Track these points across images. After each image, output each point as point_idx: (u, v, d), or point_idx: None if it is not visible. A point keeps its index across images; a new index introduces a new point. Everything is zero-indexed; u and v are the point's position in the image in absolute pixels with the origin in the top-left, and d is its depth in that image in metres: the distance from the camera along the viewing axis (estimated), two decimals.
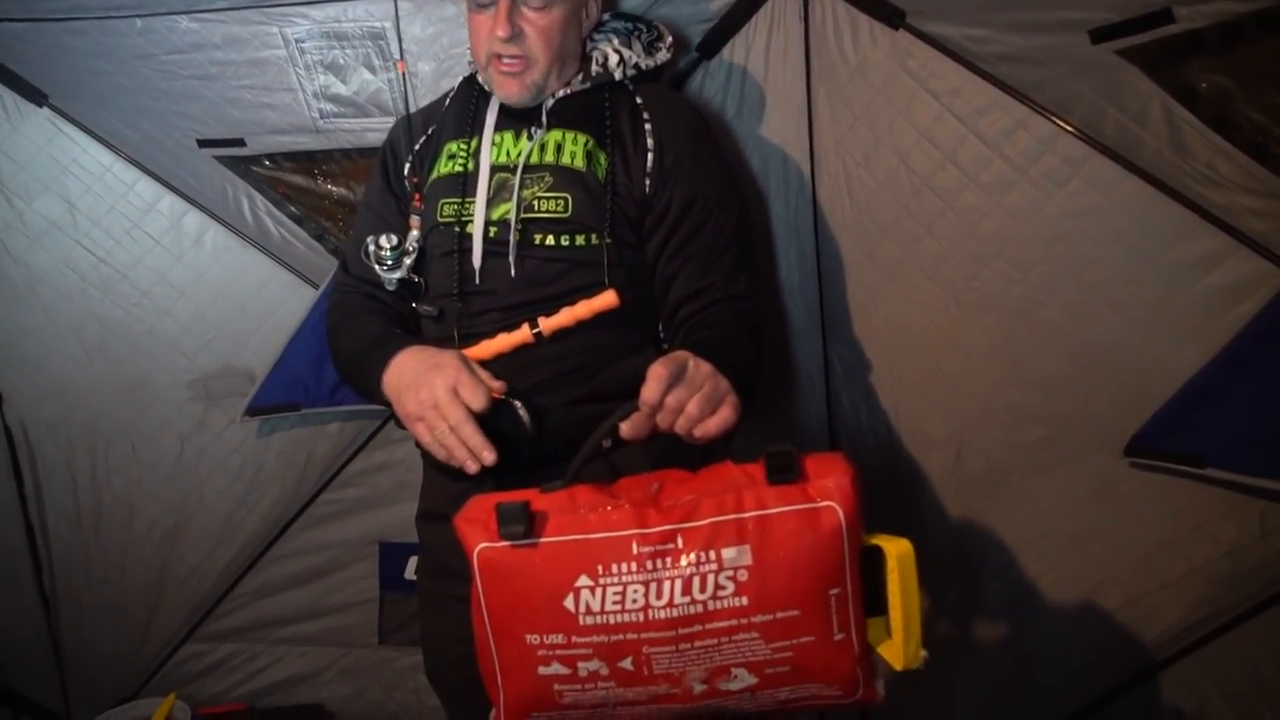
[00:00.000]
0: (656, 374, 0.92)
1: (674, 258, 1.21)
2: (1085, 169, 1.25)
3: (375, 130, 1.65)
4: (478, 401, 1.04)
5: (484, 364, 1.14)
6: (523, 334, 1.15)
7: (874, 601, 0.92)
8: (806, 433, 1.67)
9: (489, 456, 1.04)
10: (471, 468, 1.04)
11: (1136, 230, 1.23)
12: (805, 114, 1.51)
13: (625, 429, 0.93)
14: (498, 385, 1.09)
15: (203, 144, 1.71)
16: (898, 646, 0.91)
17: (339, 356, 1.26)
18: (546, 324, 1.14)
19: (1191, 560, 1.27)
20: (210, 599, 2.04)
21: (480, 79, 1.27)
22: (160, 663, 2.07)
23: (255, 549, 2.01)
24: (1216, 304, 1.19)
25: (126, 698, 2.05)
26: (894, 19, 1.38)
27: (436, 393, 1.05)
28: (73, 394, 1.89)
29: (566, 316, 1.15)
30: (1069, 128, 1.25)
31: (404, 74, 1.53)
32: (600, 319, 1.15)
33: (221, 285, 1.86)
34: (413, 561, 2.01)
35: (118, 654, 2.06)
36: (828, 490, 0.89)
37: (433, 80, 1.59)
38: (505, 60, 1.19)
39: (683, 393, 0.94)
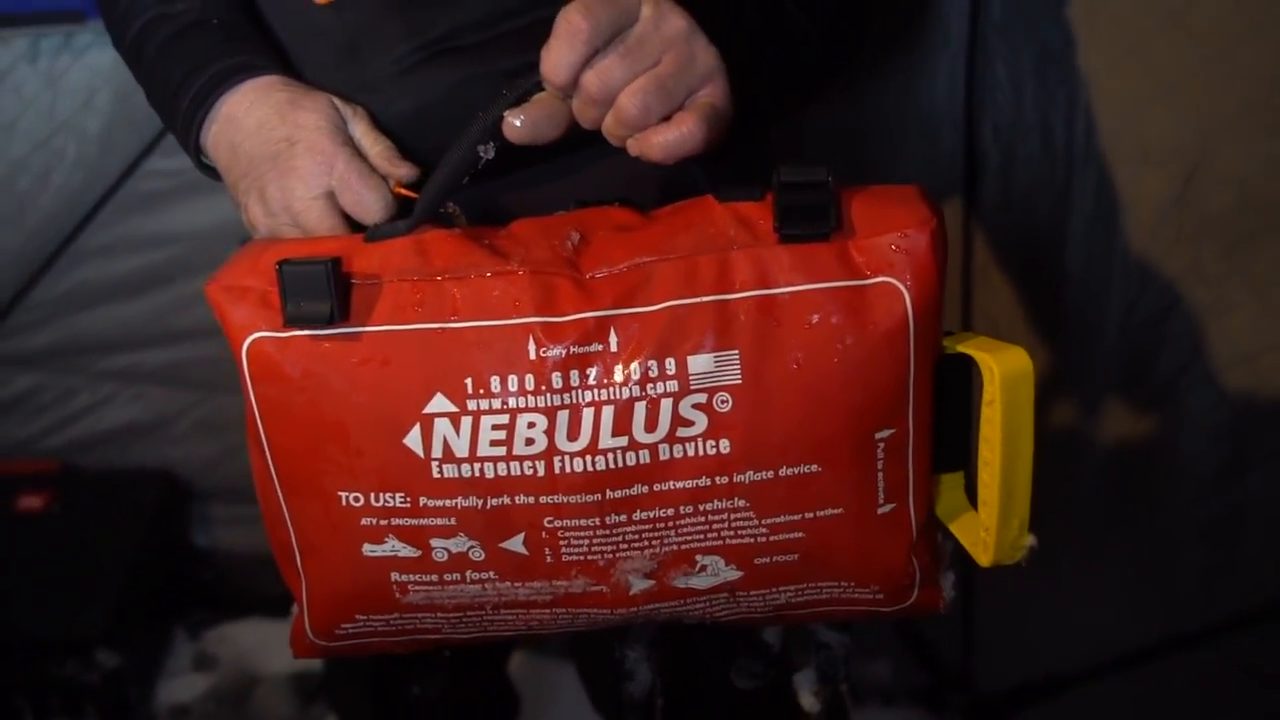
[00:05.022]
0: (570, 26, 0.74)
1: None
2: None
3: None
4: (369, 211, 0.89)
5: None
6: None
7: (949, 448, 0.85)
8: (924, 115, 1.50)
9: None
10: None
11: None
12: None
13: (515, 125, 0.77)
14: (403, 172, 0.92)
15: None
16: (989, 527, 0.82)
17: (110, 18, 1.07)
18: None
19: None
20: None
21: None
22: None
23: (55, 238, 1.97)
24: None
25: None
26: None
27: (296, 194, 0.90)
28: None
29: None
30: None
31: None
32: None
33: None
34: None
35: None
36: (887, 254, 0.77)
37: None
38: None
39: (616, 66, 0.76)
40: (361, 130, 0.95)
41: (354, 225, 0.90)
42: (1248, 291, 1.34)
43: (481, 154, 0.80)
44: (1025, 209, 1.48)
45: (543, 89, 0.78)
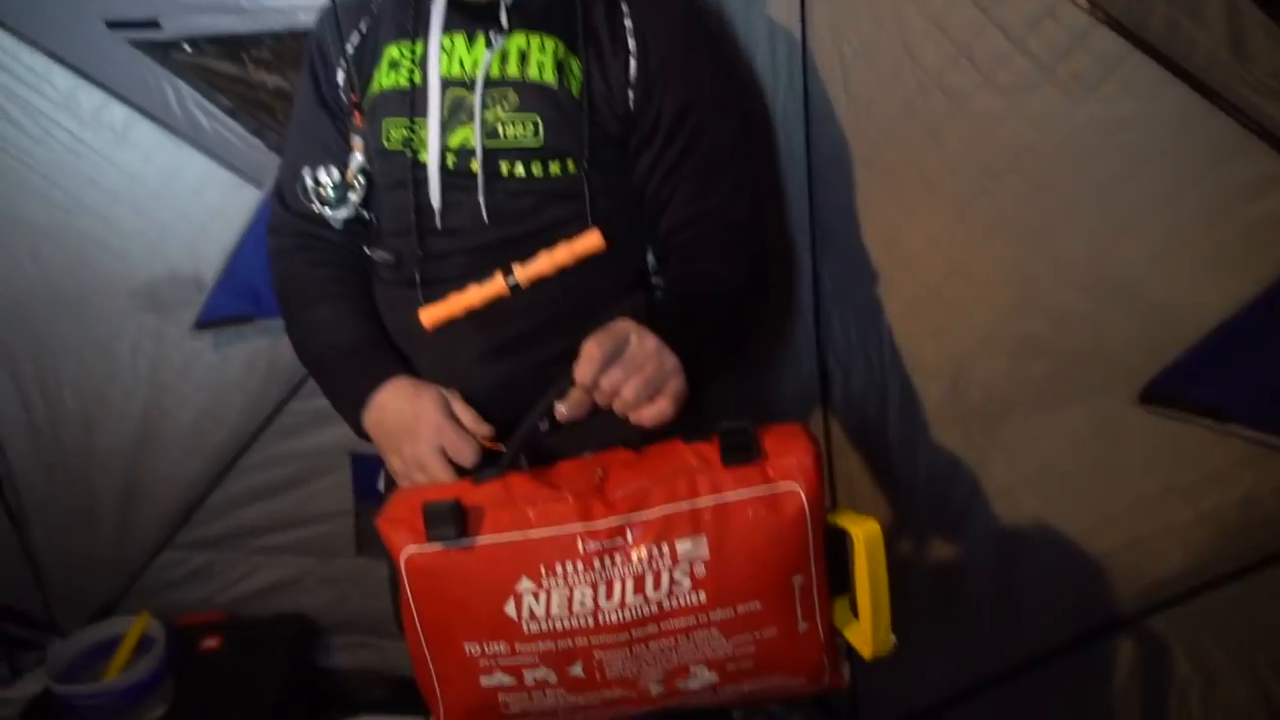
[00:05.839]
0: (589, 353, 0.84)
1: (666, 181, 1.07)
2: (1122, 70, 1.06)
3: (307, 9, 1.46)
4: (466, 459, 0.97)
5: (456, 321, 1.04)
6: (496, 286, 1.02)
7: (839, 580, 0.90)
8: (793, 352, 1.57)
9: None
10: None
11: (1178, 146, 1.06)
12: None
13: (561, 410, 0.86)
14: (485, 431, 1.00)
15: (112, 25, 1.52)
16: (865, 634, 0.88)
17: (296, 341, 1.15)
18: (523, 273, 1.02)
19: (1200, 507, 1.19)
20: (182, 508, 2.02)
21: None
22: (139, 570, 2.08)
23: (224, 459, 1.97)
24: (1262, 237, 1.04)
25: (111, 601, 2.08)
26: None
27: (421, 453, 0.98)
28: (8, 306, 1.80)
29: (545, 264, 1.02)
30: (1107, 19, 1.06)
31: None
32: (582, 260, 1.03)
33: (156, 186, 1.72)
34: (385, 474, 2.00)
35: (94, 562, 2.07)
36: (789, 470, 0.84)
37: None
38: None
39: (618, 374, 0.85)
40: (459, 407, 1.02)
41: (460, 469, 0.97)
42: (999, 450, 1.37)
43: (540, 427, 0.88)
44: (860, 406, 1.53)
45: (574, 387, 0.86)
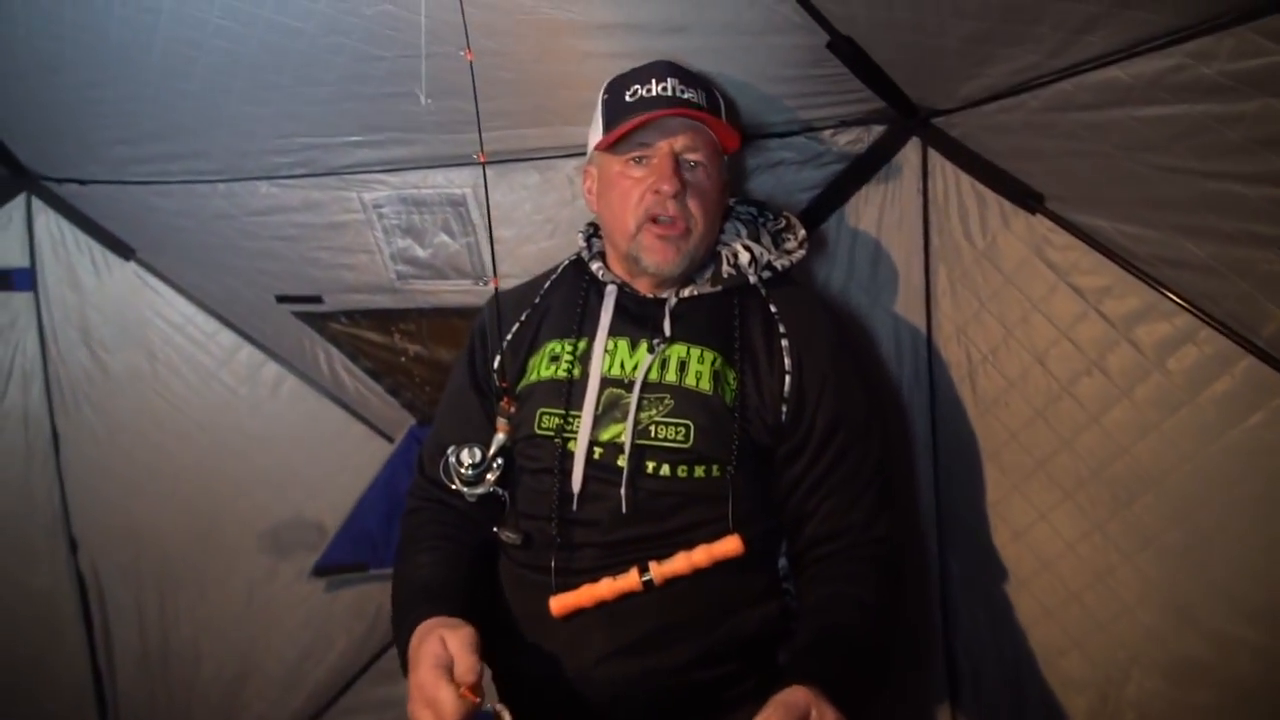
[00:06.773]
0: None
1: (812, 493, 1.07)
2: (1276, 400, 1.03)
3: (453, 292, 1.59)
4: (445, 716, 0.85)
5: (584, 610, 1.02)
6: (631, 581, 1.01)
7: None
8: (919, 640, 1.48)
9: None
10: None
11: None
12: (924, 295, 1.35)
13: None
14: (468, 681, 0.88)
15: (281, 300, 1.68)
16: None
17: (393, 586, 1.14)
18: (659, 571, 1.00)
19: None
20: None
21: (621, 249, 1.11)
22: None
23: (322, 701, 1.94)
24: None
25: None
26: (1029, 201, 1.20)
27: (412, 696, 0.89)
28: (146, 538, 1.87)
29: (683, 564, 1.00)
30: (1254, 349, 1.04)
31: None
32: (718, 564, 1.01)
33: (296, 435, 1.82)
34: None
35: None
36: None
37: (514, 245, 1.50)
38: (663, 222, 1.07)
39: None
40: (460, 653, 0.89)
41: None
42: None
43: None
44: (993, 711, 1.42)
45: None
